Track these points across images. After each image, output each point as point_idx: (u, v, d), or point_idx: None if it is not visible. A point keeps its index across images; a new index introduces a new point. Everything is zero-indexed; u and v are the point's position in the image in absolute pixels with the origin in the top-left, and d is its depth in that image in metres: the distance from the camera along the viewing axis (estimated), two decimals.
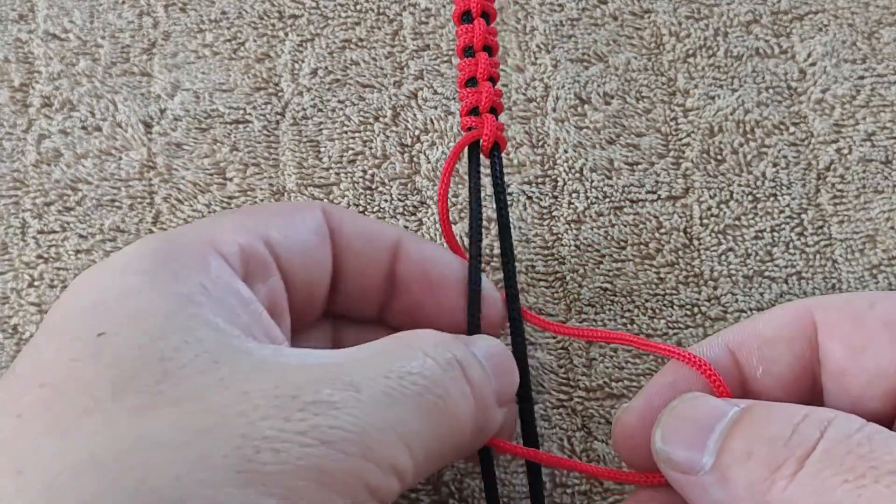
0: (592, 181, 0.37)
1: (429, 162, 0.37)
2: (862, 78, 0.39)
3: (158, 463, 0.20)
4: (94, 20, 0.40)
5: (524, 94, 0.38)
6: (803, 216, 0.36)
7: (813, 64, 0.39)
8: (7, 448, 0.20)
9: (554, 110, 0.38)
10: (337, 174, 0.37)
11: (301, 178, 0.37)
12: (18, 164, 0.37)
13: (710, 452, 0.24)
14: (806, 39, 0.40)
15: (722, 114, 0.38)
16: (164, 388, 0.21)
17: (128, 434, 0.20)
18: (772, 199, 0.36)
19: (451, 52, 0.39)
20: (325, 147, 0.38)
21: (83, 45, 0.40)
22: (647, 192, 0.37)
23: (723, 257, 0.35)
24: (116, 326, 0.22)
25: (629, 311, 0.35)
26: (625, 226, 0.36)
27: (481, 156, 0.31)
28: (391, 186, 0.37)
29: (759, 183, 0.37)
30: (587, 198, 0.37)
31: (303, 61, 0.39)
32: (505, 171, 0.37)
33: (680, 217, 0.36)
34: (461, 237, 0.35)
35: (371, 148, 0.38)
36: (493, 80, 0.30)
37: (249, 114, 0.38)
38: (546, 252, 0.36)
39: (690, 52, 0.39)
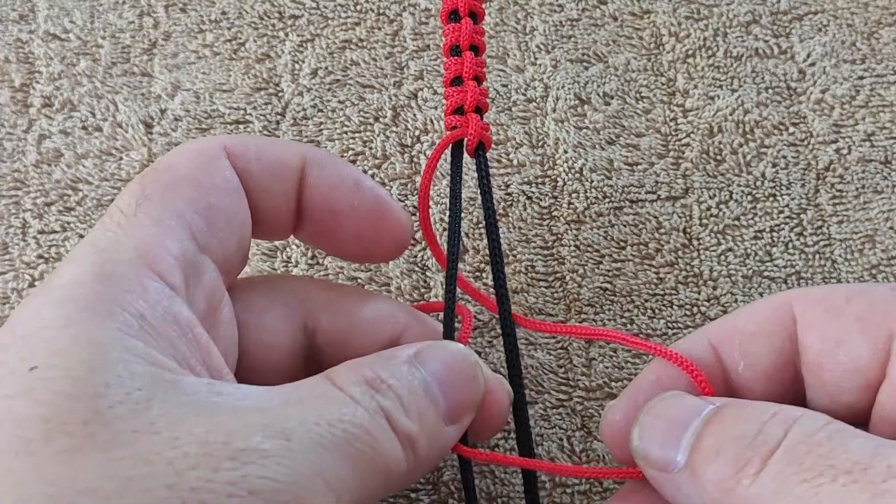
0: (592, 181, 0.37)
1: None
2: (861, 78, 0.39)
3: None
4: (94, 20, 0.40)
5: (524, 95, 0.39)
6: (803, 216, 0.36)
7: (812, 64, 0.39)
8: None
9: (554, 110, 0.38)
10: None
11: None
12: (19, 165, 0.37)
13: (684, 451, 0.24)
14: (805, 40, 0.40)
15: (721, 114, 0.38)
16: (95, 429, 0.21)
17: (56, 481, 0.20)
18: (771, 199, 0.36)
19: None
20: (326, 147, 0.38)
21: (84, 45, 0.40)
22: (647, 192, 0.37)
23: (722, 257, 0.35)
24: (50, 359, 0.22)
25: (629, 311, 0.35)
26: (624, 226, 0.36)
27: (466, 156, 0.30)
28: (391, 187, 0.37)
29: (758, 183, 0.37)
30: (587, 198, 0.37)
31: (303, 62, 0.39)
32: (505, 171, 0.37)
33: (679, 217, 0.36)
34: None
35: (371, 148, 0.38)
36: (478, 79, 0.30)
37: (250, 114, 0.38)
38: (546, 252, 0.36)
39: (690, 52, 0.39)
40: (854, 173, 0.37)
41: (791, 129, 0.38)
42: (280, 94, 0.39)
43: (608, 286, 0.35)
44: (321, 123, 0.38)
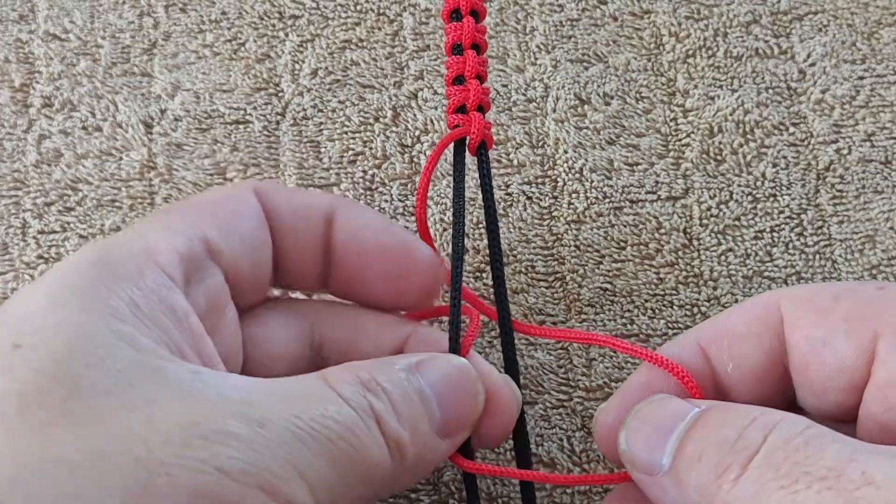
0: (592, 181, 0.37)
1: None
2: (861, 78, 0.39)
3: (55, 483, 0.20)
4: (94, 20, 0.40)
5: (524, 95, 0.39)
6: (803, 216, 0.36)
7: (812, 64, 0.39)
8: None
9: (554, 111, 0.38)
10: (337, 174, 0.37)
11: (301, 179, 0.37)
12: (19, 165, 0.37)
13: (668, 454, 0.24)
14: (805, 40, 0.40)
15: (722, 114, 0.38)
16: (72, 406, 0.21)
17: (28, 452, 0.21)
18: (771, 199, 0.36)
19: None
20: (326, 147, 0.38)
21: (84, 45, 0.40)
22: (647, 192, 0.37)
23: (722, 257, 0.35)
24: (35, 340, 0.22)
25: (629, 311, 0.35)
26: (625, 226, 0.36)
27: (468, 155, 0.30)
28: (391, 187, 0.37)
29: (758, 183, 0.37)
30: (587, 198, 0.37)
31: (303, 62, 0.39)
32: (505, 171, 0.37)
33: (680, 217, 0.36)
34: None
35: (371, 148, 0.38)
36: (480, 78, 0.30)
37: (250, 114, 0.38)
38: (546, 252, 0.36)
39: (690, 52, 0.39)
40: (854, 173, 0.37)
41: (791, 130, 0.38)
42: (280, 95, 0.39)
43: (608, 286, 0.35)
44: (321, 123, 0.38)
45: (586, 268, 0.35)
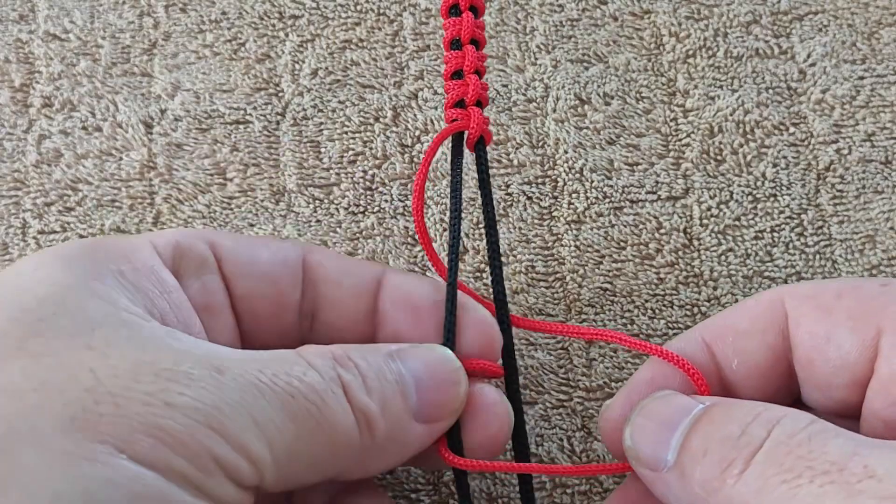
0: (592, 181, 0.37)
1: None
2: (862, 78, 0.39)
3: None
4: (94, 20, 0.40)
5: (524, 95, 0.39)
6: (803, 216, 0.36)
7: (813, 64, 0.39)
8: None
9: (554, 111, 0.38)
10: (337, 174, 0.37)
11: (301, 179, 0.37)
12: (19, 165, 0.37)
13: (673, 450, 0.24)
14: (806, 40, 0.40)
15: (722, 114, 0.38)
16: (30, 344, 0.22)
17: None
18: (772, 199, 0.36)
19: None
20: (326, 147, 0.38)
21: (84, 45, 0.40)
22: (647, 192, 0.37)
23: (723, 258, 0.35)
24: (10, 293, 0.23)
25: (629, 311, 0.35)
26: (625, 226, 0.36)
27: (467, 153, 0.30)
28: (391, 187, 0.37)
29: (758, 183, 0.37)
30: (587, 198, 0.37)
31: (303, 62, 0.39)
32: (505, 171, 0.37)
33: (680, 217, 0.36)
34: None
35: (371, 148, 0.38)
36: (479, 73, 0.30)
37: (250, 114, 0.38)
38: (546, 252, 0.36)
39: (690, 52, 0.39)
40: (854, 173, 0.37)
41: (791, 130, 0.38)
42: (280, 95, 0.39)
43: (608, 286, 0.35)
44: (321, 123, 0.38)
45: (586, 268, 0.35)
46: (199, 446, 0.21)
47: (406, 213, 0.36)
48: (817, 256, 0.35)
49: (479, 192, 0.31)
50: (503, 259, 0.35)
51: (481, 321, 0.29)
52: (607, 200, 0.37)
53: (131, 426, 0.21)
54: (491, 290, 0.34)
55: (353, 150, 0.38)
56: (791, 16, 0.40)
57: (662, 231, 0.36)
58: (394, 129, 0.38)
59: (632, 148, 0.37)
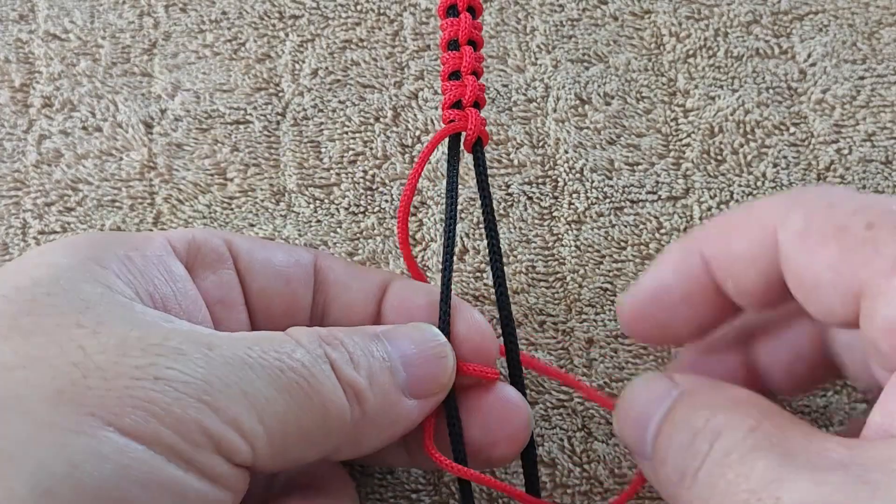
0: (593, 181, 0.37)
1: (429, 162, 0.37)
2: (862, 78, 0.39)
3: None
4: (94, 20, 0.40)
5: (524, 95, 0.39)
6: None
7: (813, 64, 0.39)
8: None
9: (554, 111, 0.38)
10: (337, 174, 0.37)
11: (301, 179, 0.37)
12: (19, 165, 0.37)
13: (649, 445, 0.25)
14: (806, 40, 0.40)
15: (722, 114, 0.38)
16: (23, 322, 0.22)
17: None
18: None
19: None
20: (326, 147, 0.38)
21: (84, 45, 0.40)
22: (648, 192, 0.37)
23: None
24: (9, 277, 0.24)
25: None
26: (625, 226, 0.36)
27: (462, 151, 0.30)
28: (392, 187, 0.37)
29: (759, 183, 0.37)
30: (587, 198, 0.37)
31: (303, 62, 0.39)
32: (505, 171, 0.37)
33: (680, 217, 0.36)
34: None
35: (372, 148, 0.38)
36: (476, 74, 0.30)
37: (250, 114, 0.38)
38: (546, 252, 0.36)
39: (690, 52, 0.39)
40: (855, 173, 0.37)
41: (792, 130, 0.38)
42: (280, 95, 0.39)
43: (609, 286, 0.35)
44: (321, 123, 0.38)
45: (587, 268, 0.35)
46: (188, 419, 0.21)
47: None
48: None
49: (478, 193, 0.31)
50: (503, 259, 0.35)
51: (475, 324, 0.29)
52: (608, 200, 0.37)
53: (119, 399, 0.21)
54: (491, 290, 0.34)
55: (353, 150, 0.38)
56: (791, 16, 0.40)
57: (663, 231, 0.36)
58: (394, 129, 0.38)
59: (632, 148, 0.37)
